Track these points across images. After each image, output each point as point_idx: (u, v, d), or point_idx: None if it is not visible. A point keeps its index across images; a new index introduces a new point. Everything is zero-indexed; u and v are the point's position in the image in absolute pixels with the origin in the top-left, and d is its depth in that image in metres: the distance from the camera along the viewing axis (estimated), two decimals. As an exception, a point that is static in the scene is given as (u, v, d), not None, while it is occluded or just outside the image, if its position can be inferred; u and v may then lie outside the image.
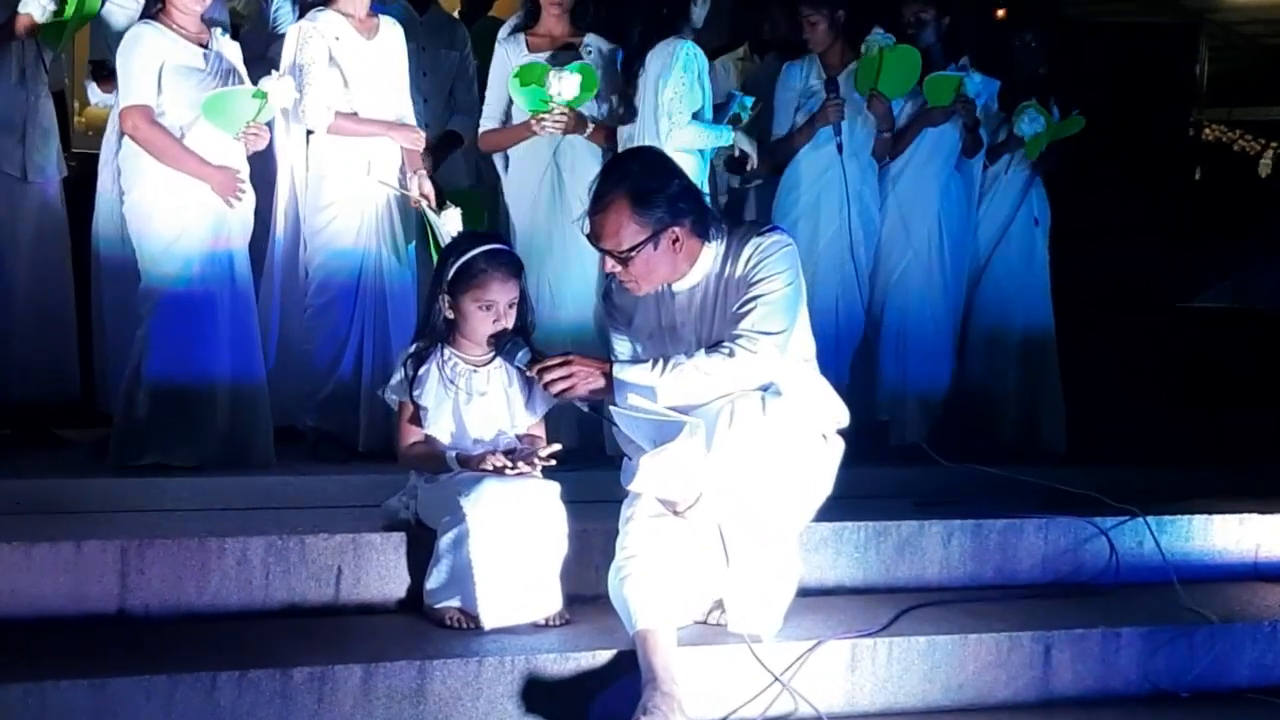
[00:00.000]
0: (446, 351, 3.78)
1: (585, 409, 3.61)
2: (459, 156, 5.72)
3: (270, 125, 4.82)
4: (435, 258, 4.79)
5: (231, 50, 4.65)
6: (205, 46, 4.54)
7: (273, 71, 4.56)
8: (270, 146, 4.91)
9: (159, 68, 4.42)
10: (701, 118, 4.99)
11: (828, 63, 5.62)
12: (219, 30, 4.64)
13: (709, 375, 3.42)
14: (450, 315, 3.75)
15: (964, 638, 3.78)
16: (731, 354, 3.42)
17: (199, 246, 4.44)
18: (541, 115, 4.92)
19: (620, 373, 3.47)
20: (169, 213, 4.43)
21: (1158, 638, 3.94)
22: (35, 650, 3.29)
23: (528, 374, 3.61)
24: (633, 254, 3.50)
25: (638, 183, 3.51)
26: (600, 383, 3.48)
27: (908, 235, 5.78)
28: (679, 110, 4.88)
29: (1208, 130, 11.04)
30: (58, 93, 5.22)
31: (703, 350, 3.47)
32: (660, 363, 3.45)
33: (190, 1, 4.47)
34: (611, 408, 3.52)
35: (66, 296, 5.07)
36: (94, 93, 5.24)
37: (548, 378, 3.49)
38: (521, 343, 3.67)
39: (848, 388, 5.27)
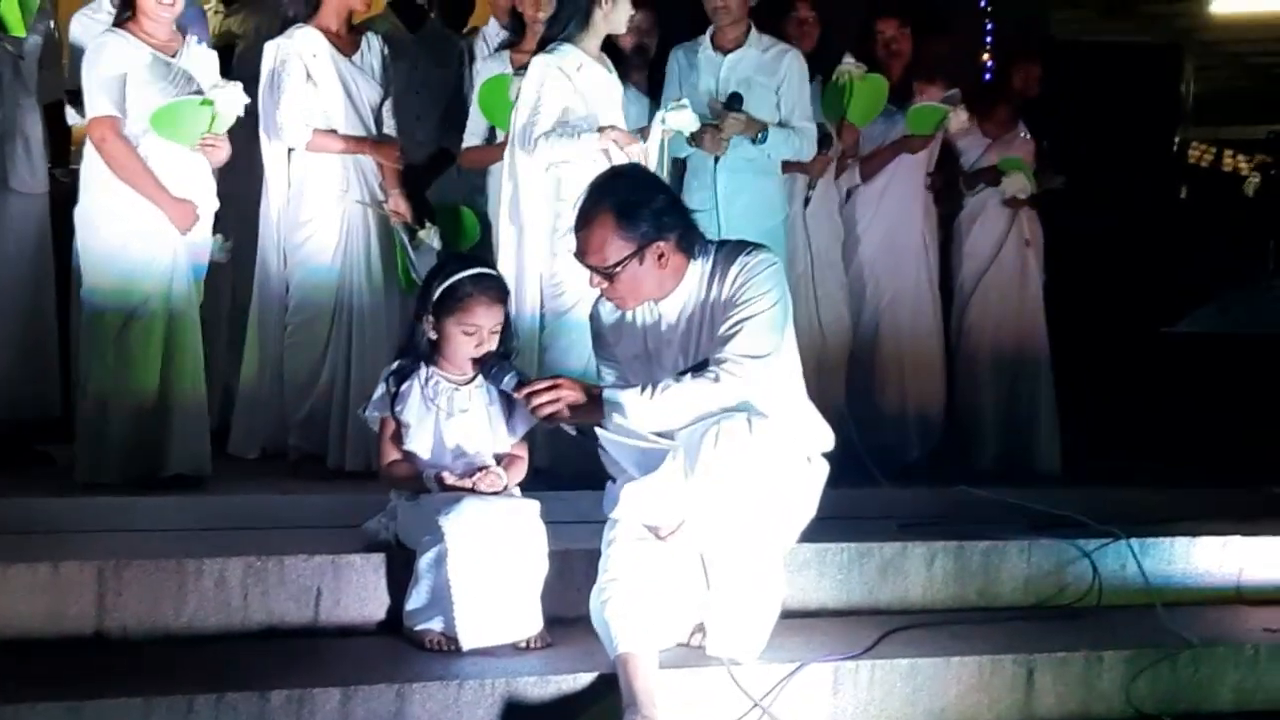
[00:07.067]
0: (428, 369, 3.77)
1: (573, 432, 3.58)
2: (453, 173, 5.73)
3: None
4: (403, 280, 4.79)
5: (203, 60, 4.57)
6: (174, 56, 4.48)
7: (220, 80, 4.49)
8: (259, 161, 4.91)
9: (123, 77, 4.37)
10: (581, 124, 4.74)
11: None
12: (194, 39, 4.58)
13: (697, 399, 3.40)
14: (433, 336, 3.74)
15: (946, 660, 3.77)
16: (717, 379, 3.40)
17: (140, 260, 4.40)
18: None
19: (609, 396, 3.45)
20: (115, 222, 4.39)
21: (1140, 661, 3.93)
22: (11, 671, 3.25)
23: (515, 396, 3.59)
24: (618, 269, 3.48)
25: (622, 197, 3.50)
26: (589, 407, 3.45)
27: (896, 257, 5.80)
28: (533, 125, 4.70)
29: (1194, 151, 11.06)
30: (55, 104, 5.19)
31: (689, 374, 3.44)
32: (648, 387, 3.43)
33: (159, 9, 4.42)
34: (598, 431, 3.50)
35: (48, 311, 5.03)
36: (72, 115, 5.21)
37: (535, 401, 3.46)
38: (509, 366, 3.66)
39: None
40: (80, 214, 4.50)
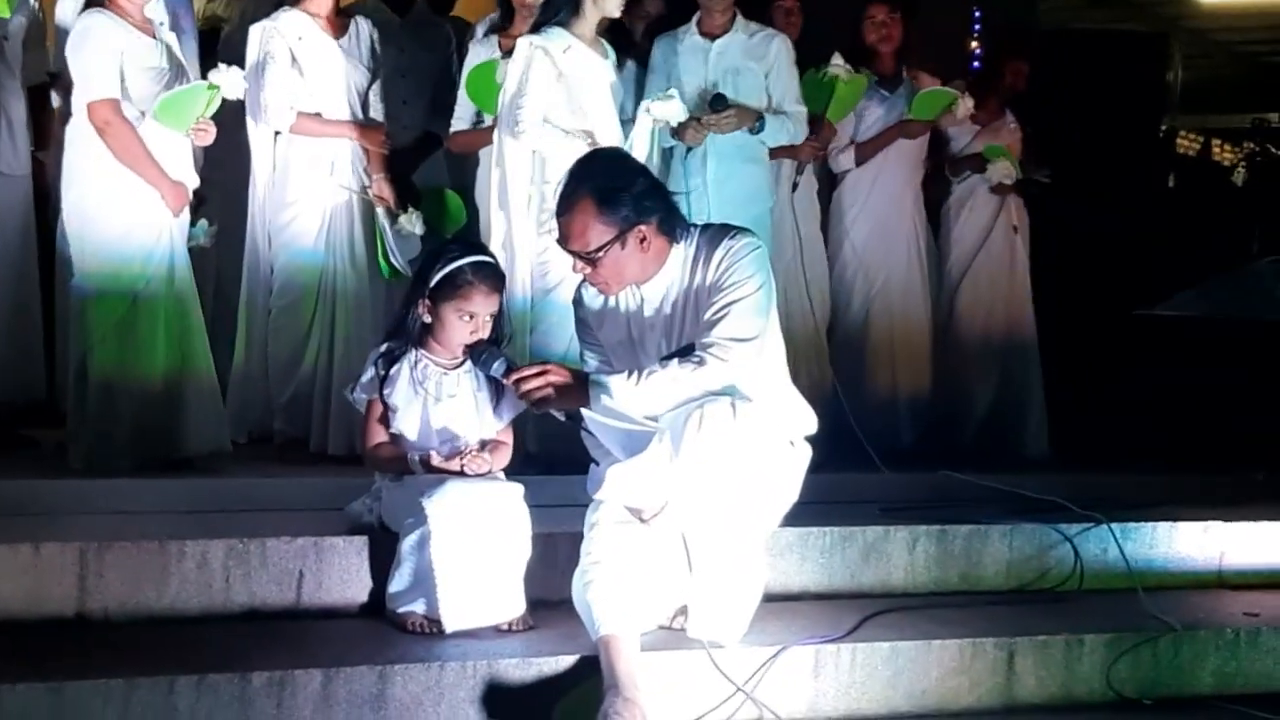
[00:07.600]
0: (417, 353, 3.77)
1: (562, 417, 3.58)
2: (440, 157, 5.71)
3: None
4: (382, 265, 4.79)
5: (175, 44, 4.56)
6: (154, 38, 4.44)
7: (220, 64, 4.49)
8: (246, 143, 4.90)
9: (120, 59, 4.32)
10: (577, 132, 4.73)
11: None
12: (158, 20, 4.54)
13: (682, 384, 3.41)
14: (428, 320, 3.74)
15: (928, 644, 3.78)
16: (703, 362, 3.40)
17: (141, 245, 4.38)
18: None
19: (595, 378, 3.45)
20: (114, 210, 4.35)
21: (1121, 644, 3.94)
22: (-8, 653, 3.26)
23: (505, 382, 3.59)
24: (600, 254, 3.48)
25: (602, 182, 3.49)
26: (576, 392, 3.46)
27: (888, 243, 5.81)
28: (519, 107, 4.71)
29: (1181, 139, 11.07)
30: (38, 87, 5.16)
31: (675, 359, 3.44)
32: (635, 372, 3.44)
33: None
34: (586, 414, 3.50)
35: (33, 294, 5.02)
36: (56, 98, 5.18)
37: (525, 387, 3.46)
38: (498, 352, 3.66)
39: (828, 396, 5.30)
40: (72, 204, 4.43)
